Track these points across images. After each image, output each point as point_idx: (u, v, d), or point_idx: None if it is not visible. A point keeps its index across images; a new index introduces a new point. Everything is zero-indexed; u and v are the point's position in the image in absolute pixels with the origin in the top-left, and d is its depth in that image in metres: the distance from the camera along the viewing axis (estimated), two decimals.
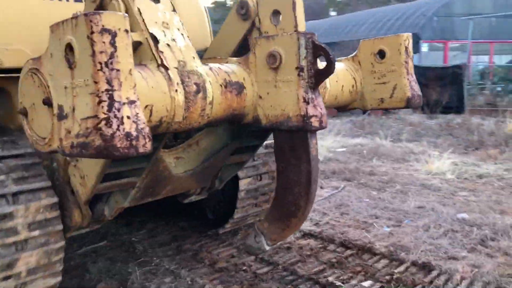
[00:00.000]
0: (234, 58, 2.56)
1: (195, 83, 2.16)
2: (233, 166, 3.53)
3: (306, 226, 5.36)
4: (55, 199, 2.70)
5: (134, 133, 1.55)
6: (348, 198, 6.37)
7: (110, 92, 1.54)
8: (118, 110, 1.54)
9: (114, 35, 1.56)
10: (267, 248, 2.61)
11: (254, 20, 2.91)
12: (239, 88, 2.39)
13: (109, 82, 1.54)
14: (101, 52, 1.53)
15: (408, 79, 2.91)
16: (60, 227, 2.73)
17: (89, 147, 1.56)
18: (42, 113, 1.84)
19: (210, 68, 2.33)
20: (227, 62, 2.54)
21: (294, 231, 2.82)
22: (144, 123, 1.60)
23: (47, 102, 1.77)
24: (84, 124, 1.58)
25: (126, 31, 1.59)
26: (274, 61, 2.31)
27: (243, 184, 4.00)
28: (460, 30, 19.27)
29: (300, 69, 2.24)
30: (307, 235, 5.17)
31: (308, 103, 2.24)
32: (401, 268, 4.33)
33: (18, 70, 2.86)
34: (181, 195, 3.57)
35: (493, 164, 7.96)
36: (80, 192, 2.70)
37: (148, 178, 2.81)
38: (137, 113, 1.58)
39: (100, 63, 1.53)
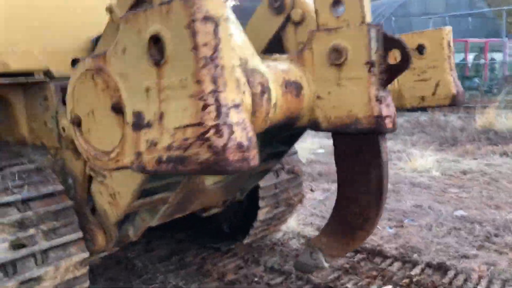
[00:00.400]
0: (283, 55, 2.30)
1: (260, 83, 1.89)
2: (256, 175, 3.26)
3: (309, 231, 5.20)
4: (85, 254, 2.33)
5: (246, 143, 1.27)
6: None
7: (216, 94, 1.26)
8: (227, 115, 1.26)
9: (217, 23, 1.27)
10: (326, 265, 2.37)
11: (290, 13, 2.68)
12: (298, 88, 2.14)
13: (214, 81, 1.25)
14: (204, 45, 1.25)
15: (451, 75, 2.76)
16: (87, 284, 2.38)
17: (190, 162, 1.26)
18: (106, 122, 1.52)
19: (268, 66, 2.06)
20: (275, 60, 2.28)
21: (359, 246, 2.60)
22: (252, 130, 1.32)
23: (117, 109, 1.45)
24: (181, 134, 1.29)
25: (227, 19, 1.31)
26: (338, 57, 2.08)
27: (261, 213, 3.84)
28: (417, 30, 19.65)
29: (371, 64, 2.02)
30: None
31: (381, 102, 2.03)
32: (417, 270, 4.24)
33: (23, 74, 2.52)
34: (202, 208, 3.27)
35: (473, 159, 8.09)
36: (109, 212, 2.36)
37: (183, 192, 2.51)
38: (244, 119, 1.31)
39: (205, 58, 1.24)
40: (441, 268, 4.25)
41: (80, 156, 2.51)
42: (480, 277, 4.06)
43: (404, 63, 2.01)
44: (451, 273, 4.14)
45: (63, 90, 2.60)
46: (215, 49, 1.26)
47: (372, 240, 4.90)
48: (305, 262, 2.40)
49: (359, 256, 4.56)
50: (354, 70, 2.06)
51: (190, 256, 4.63)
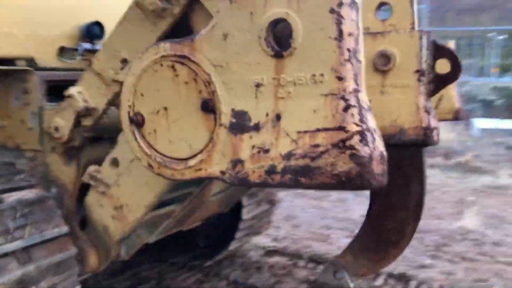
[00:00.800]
0: None
1: None
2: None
3: (266, 242, 5.06)
4: None
5: (385, 153, 1.08)
6: (293, 209, 6.20)
7: (357, 94, 1.05)
8: (368, 119, 1.06)
9: (357, 10, 1.08)
10: (351, 285, 2.21)
11: None
12: None
13: (356, 78, 1.05)
14: (350, 35, 1.04)
15: (454, 90, 2.76)
16: None
17: (320, 174, 1.04)
18: (186, 122, 1.23)
19: None
20: None
21: (390, 263, 2.46)
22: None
23: (206, 106, 1.18)
24: (308, 139, 1.06)
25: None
26: (385, 63, 1.96)
27: (233, 243, 3.89)
28: None
29: (420, 73, 1.92)
30: (271, 252, 4.86)
31: (429, 113, 1.93)
32: (380, 281, 4.26)
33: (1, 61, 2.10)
34: None
35: None
36: (112, 228, 2.01)
37: (190, 205, 2.22)
38: (377, 125, 1.12)
39: (349, 51, 1.04)
40: (403, 278, 4.30)
41: (72, 161, 2.14)
42: (441, 287, 4.16)
43: (454, 74, 1.93)
44: (413, 283, 4.20)
45: (48, 83, 2.23)
46: (357, 40, 1.06)
47: (331, 250, 4.87)
48: (327, 282, 2.23)
49: (321, 267, 4.49)
50: (402, 78, 1.94)
51: (146, 271, 4.26)
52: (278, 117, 1.10)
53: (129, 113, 1.32)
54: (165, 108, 1.26)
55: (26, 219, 1.83)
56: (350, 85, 1.04)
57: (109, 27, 2.40)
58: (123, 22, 1.81)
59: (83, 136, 2.00)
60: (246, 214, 3.53)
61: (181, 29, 1.57)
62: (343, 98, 1.04)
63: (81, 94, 1.93)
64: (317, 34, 1.05)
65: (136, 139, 1.31)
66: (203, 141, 1.21)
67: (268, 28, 1.10)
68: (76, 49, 2.31)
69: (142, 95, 1.29)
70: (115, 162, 1.95)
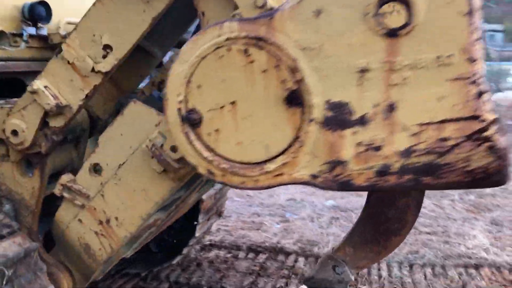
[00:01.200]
0: None
1: None
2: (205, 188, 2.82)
3: None
4: None
5: None
6: None
7: (483, 79, 0.92)
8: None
9: None
10: (352, 278, 2.10)
11: None
12: None
13: (483, 61, 0.91)
14: (478, 10, 0.89)
15: None
16: None
17: (450, 171, 0.89)
18: (262, 118, 0.98)
19: None
20: None
21: (391, 252, 2.30)
22: None
23: (295, 99, 0.95)
24: (433, 132, 0.90)
25: None
26: None
27: (177, 258, 3.83)
28: None
29: None
30: (208, 246, 4.67)
31: None
32: None
33: None
34: None
35: None
36: (97, 246, 1.67)
37: (176, 211, 1.95)
38: None
39: (478, 29, 0.89)
40: None
41: (33, 171, 1.75)
42: (379, 262, 4.30)
43: None
44: None
45: None
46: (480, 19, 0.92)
47: (267, 238, 4.83)
48: (326, 278, 2.09)
49: (261, 256, 4.43)
50: None
51: None
52: (391, 108, 0.93)
53: (180, 110, 1.03)
54: (233, 103, 1.00)
55: (13, 285, 1.44)
56: (481, 67, 0.90)
57: (55, 7, 2.00)
58: (103, 0, 1.49)
59: (52, 140, 1.63)
60: (198, 231, 3.46)
61: None
62: (475, 82, 0.90)
63: (48, 89, 1.56)
64: (443, 10, 0.89)
65: (190, 141, 1.03)
66: (286, 141, 0.99)
67: (378, 3, 0.91)
68: (19, 35, 1.88)
69: (199, 87, 1.01)
70: (96, 169, 1.62)
